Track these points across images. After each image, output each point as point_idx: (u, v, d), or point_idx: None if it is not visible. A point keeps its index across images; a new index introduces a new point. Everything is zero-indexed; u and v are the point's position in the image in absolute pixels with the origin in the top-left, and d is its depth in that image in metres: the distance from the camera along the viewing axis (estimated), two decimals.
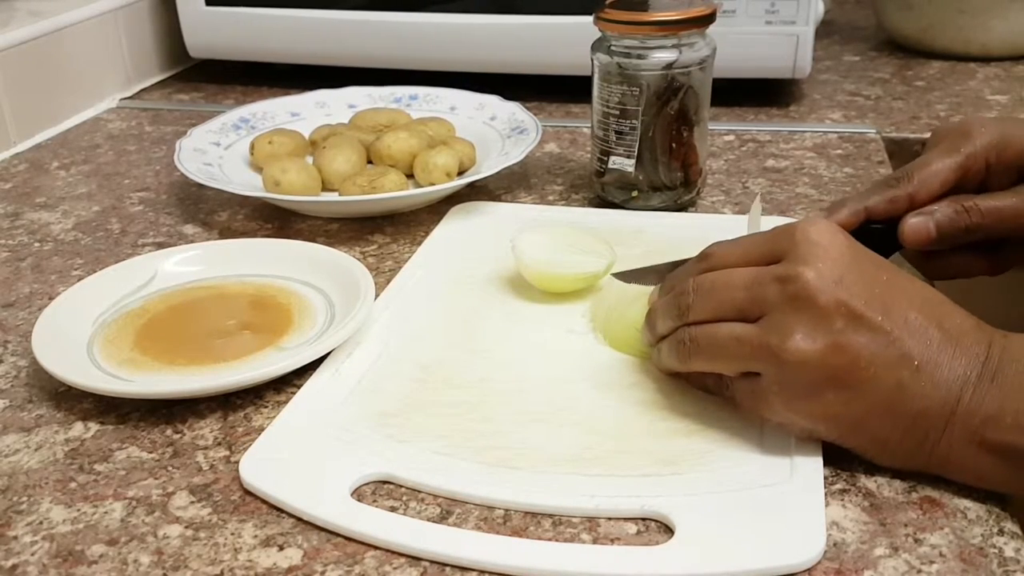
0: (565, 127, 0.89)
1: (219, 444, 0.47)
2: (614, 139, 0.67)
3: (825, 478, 0.43)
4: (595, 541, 0.40)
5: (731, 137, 0.85)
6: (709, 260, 0.47)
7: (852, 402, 0.41)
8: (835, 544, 0.39)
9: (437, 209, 0.71)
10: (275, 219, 0.72)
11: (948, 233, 0.51)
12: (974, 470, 0.41)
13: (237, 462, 0.45)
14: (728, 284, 0.44)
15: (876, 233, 0.51)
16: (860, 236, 0.45)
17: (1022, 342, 0.41)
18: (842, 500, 0.42)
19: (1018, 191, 0.51)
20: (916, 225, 0.51)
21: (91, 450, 0.47)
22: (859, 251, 0.43)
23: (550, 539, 0.40)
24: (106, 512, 0.43)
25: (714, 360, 0.45)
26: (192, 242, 0.67)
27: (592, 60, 0.67)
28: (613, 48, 0.65)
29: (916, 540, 0.40)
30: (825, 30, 1.17)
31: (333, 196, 0.71)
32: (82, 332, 0.54)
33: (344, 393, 0.50)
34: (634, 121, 0.66)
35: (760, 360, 0.42)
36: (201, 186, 0.74)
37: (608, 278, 0.57)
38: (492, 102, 0.82)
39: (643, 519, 0.41)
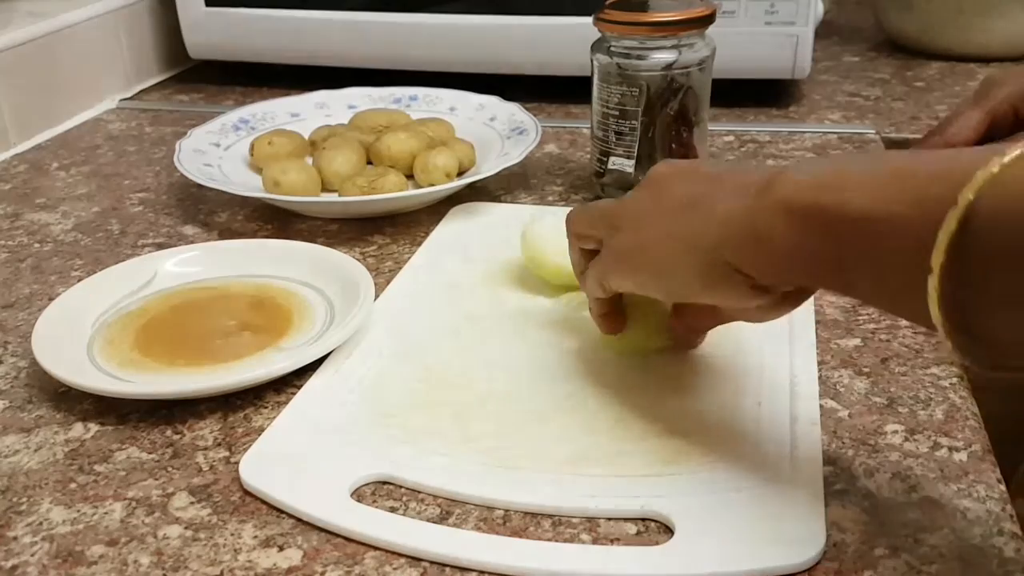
0: (565, 127, 0.89)
1: (219, 445, 0.47)
2: (614, 140, 0.67)
3: (825, 478, 0.43)
4: (595, 541, 0.40)
5: (731, 138, 0.85)
6: None
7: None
8: (835, 544, 0.39)
9: (437, 210, 0.71)
10: (275, 219, 0.72)
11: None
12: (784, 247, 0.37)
13: (237, 463, 0.45)
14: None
15: None
16: None
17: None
18: (842, 500, 0.42)
19: None
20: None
21: (91, 451, 0.47)
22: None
23: (550, 539, 0.40)
24: (106, 513, 0.43)
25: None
26: (192, 243, 0.67)
27: (592, 61, 0.67)
28: (613, 49, 0.65)
29: (916, 540, 0.40)
30: (825, 30, 1.17)
31: (333, 197, 0.71)
32: (82, 333, 0.54)
33: (344, 393, 0.50)
34: (634, 122, 0.66)
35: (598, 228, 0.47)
36: (201, 187, 0.74)
37: None
38: (492, 103, 0.82)
39: (643, 519, 0.41)
